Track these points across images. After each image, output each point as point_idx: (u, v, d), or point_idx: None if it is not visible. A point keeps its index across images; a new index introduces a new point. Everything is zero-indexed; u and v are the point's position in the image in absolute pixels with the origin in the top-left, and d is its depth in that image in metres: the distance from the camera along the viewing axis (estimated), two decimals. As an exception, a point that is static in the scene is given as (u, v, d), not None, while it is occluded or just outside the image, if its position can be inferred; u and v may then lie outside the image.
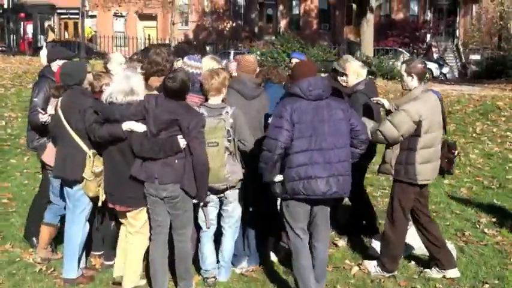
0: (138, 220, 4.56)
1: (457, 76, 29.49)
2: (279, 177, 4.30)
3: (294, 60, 6.03)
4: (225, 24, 38.82)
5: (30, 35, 39.38)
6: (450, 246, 5.33)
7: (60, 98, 4.70)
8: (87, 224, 4.80)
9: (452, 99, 14.57)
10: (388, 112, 4.98)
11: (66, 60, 5.20)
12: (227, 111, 4.59)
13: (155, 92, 4.76)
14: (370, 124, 4.85)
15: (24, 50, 34.97)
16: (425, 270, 5.12)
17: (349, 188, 4.37)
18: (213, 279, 4.83)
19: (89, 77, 4.84)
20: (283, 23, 38.97)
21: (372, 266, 5.14)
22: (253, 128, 4.86)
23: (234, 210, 4.85)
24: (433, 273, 5.05)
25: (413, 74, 4.83)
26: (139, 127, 4.35)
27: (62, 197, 4.92)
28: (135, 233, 4.58)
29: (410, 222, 5.14)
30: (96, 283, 4.86)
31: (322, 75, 7.95)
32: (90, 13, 34.58)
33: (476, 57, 30.41)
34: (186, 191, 4.35)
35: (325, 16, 38.85)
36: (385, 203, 7.02)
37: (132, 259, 4.58)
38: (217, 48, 30.45)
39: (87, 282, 4.82)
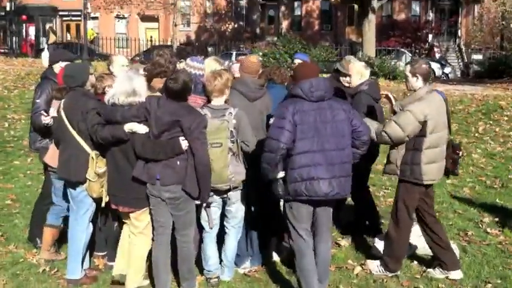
0: (141, 221, 4.57)
1: (459, 76, 29.50)
2: (281, 174, 4.30)
3: (297, 61, 6.04)
4: (227, 25, 38.88)
5: (32, 37, 39.52)
6: (453, 246, 5.32)
7: (63, 100, 4.72)
8: (91, 224, 4.82)
9: (455, 99, 14.57)
10: (393, 112, 4.97)
11: (68, 62, 5.21)
12: (230, 112, 4.59)
13: (158, 94, 4.77)
14: (373, 125, 4.83)
15: (27, 52, 35.15)
16: (428, 270, 5.12)
17: (349, 189, 4.38)
18: (216, 279, 4.83)
19: (92, 78, 4.86)
20: (285, 24, 38.99)
21: (374, 265, 5.13)
22: (256, 129, 4.86)
23: (237, 210, 4.86)
24: (436, 273, 5.04)
25: (418, 75, 4.82)
26: (141, 128, 4.36)
27: (65, 198, 4.94)
28: (138, 233, 4.59)
29: (414, 222, 5.14)
30: (99, 283, 4.87)
31: (324, 75, 7.95)
32: (92, 15, 34.59)
33: (478, 57, 30.40)
34: (188, 192, 4.36)
35: (327, 17, 38.88)
36: (388, 203, 7.03)
37: (135, 260, 4.59)
38: (219, 50, 30.50)
39: (90, 283, 4.84)
